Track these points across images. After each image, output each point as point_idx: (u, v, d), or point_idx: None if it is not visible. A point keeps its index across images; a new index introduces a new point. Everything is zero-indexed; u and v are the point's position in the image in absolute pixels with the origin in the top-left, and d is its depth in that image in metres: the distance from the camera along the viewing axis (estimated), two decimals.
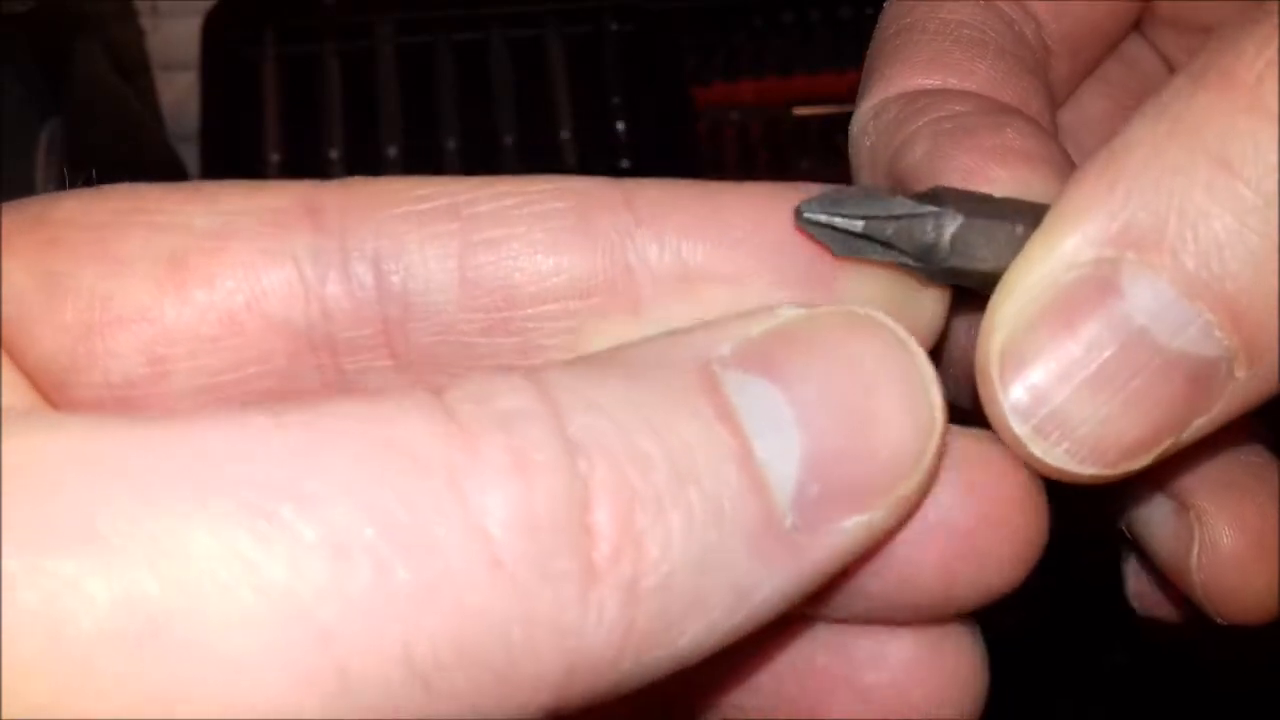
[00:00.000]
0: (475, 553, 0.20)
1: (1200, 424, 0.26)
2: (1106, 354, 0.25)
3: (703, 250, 0.28)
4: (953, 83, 0.34)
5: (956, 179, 0.30)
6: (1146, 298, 0.25)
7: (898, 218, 0.27)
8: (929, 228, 0.28)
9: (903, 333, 0.25)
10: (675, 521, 0.21)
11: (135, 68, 0.96)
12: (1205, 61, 0.25)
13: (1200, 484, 0.33)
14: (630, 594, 0.21)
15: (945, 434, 0.25)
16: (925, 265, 0.28)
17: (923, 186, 0.30)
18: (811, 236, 0.27)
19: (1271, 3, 0.24)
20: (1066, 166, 0.32)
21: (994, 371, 0.26)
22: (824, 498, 0.23)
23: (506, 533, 0.20)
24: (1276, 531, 0.32)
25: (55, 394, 0.27)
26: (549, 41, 0.93)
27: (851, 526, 0.23)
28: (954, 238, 0.28)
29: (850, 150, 0.36)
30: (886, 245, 0.28)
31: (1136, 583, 0.39)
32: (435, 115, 0.90)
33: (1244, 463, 0.33)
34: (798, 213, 0.27)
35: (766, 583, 0.22)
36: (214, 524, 0.19)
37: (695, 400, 0.22)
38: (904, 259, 0.28)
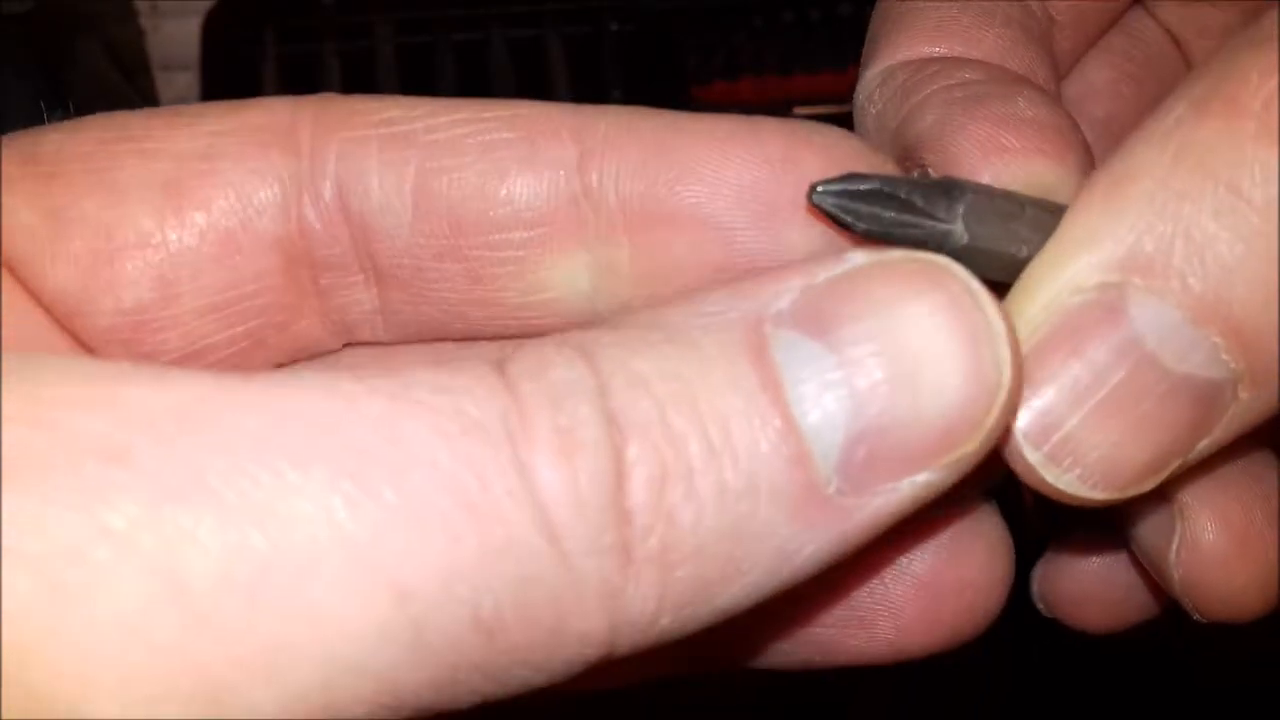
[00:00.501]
0: (534, 525, 0.21)
1: (1205, 446, 0.26)
2: (1116, 378, 0.25)
3: (644, 187, 0.28)
4: (960, 50, 0.34)
5: (968, 148, 0.30)
6: (1153, 322, 0.25)
7: (914, 223, 0.27)
8: (940, 236, 0.27)
9: (974, 284, 0.23)
10: (706, 496, 0.22)
11: (135, 67, 0.96)
12: (1209, 87, 0.25)
13: (1184, 478, 0.32)
14: (662, 563, 0.22)
15: (1017, 391, 0.24)
16: (947, 232, 0.27)
17: (932, 154, 0.30)
18: (826, 218, 0.27)
19: (1272, 24, 0.24)
20: (1077, 136, 0.31)
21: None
22: (872, 462, 0.23)
23: (560, 509, 0.21)
24: (1261, 530, 0.32)
25: (70, 323, 0.28)
26: (549, 41, 0.93)
27: (906, 487, 0.23)
28: (972, 203, 0.27)
29: (855, 118, 0.35)
30: (907, 210, 0.27)
31: (1040, 584, 0.39)
32: None
33: (1227, 458, 0.33)
34: (810, 191, 0.26)
35: (810, 545, 0.23)
36: (309, 485, 0.20)
37: (738, 367, 0.22)
38: (926, 224, 0.27)
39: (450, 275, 0.29)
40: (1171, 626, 0.37)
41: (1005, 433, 0.25)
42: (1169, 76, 0.41)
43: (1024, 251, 0.28)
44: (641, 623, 0.22)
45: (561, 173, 0.28)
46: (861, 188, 0.27)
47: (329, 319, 0.30)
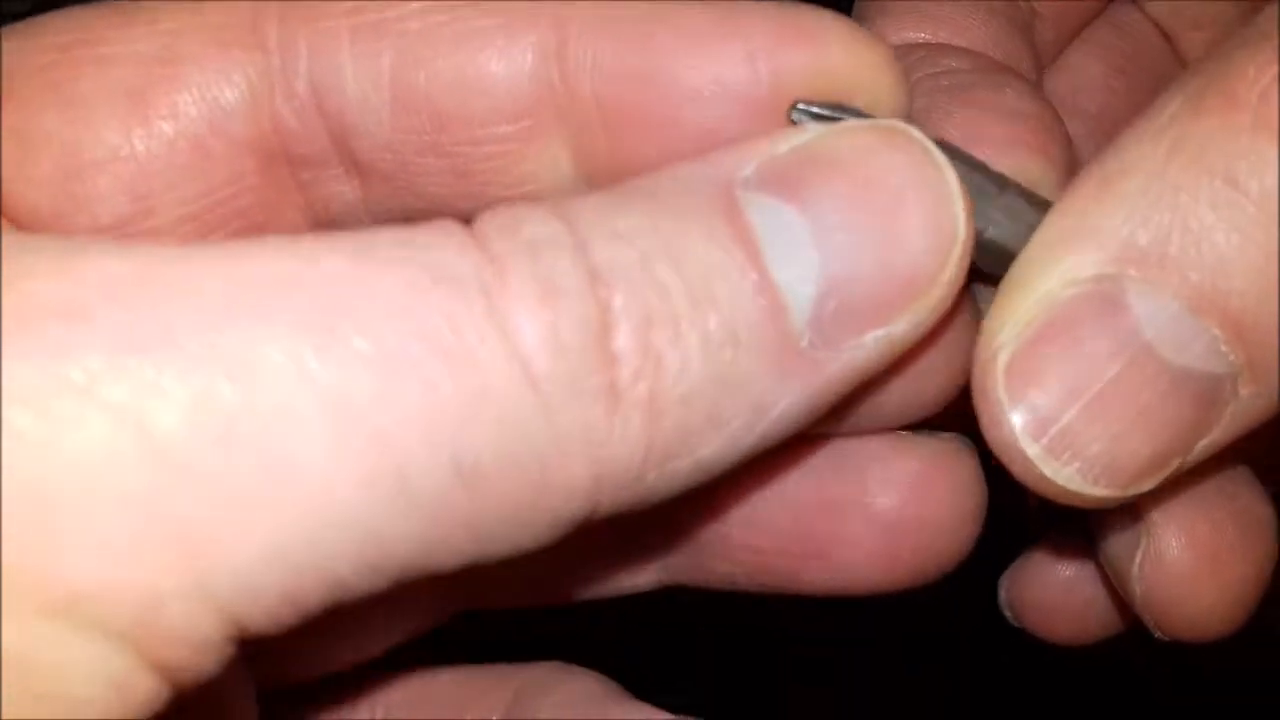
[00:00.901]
0: (512, 371, 0.21)
1: (1204, 445, 0.26)
2: (1115, 370, 0.25)
3: (623, 82, 0.27)
4: (945, 37, 0.34)
5: (954, 136, 0.29)
6: (1152, 313, 0.25)
7: None
8: None
9: (929, 145, 0.25)
10: (692, 342, 0.22)
11: None
12: (1205, 82, 0.25)
13: (1155, 490, 0.31)
14: (651, 409, 0.22)
15: (969, 245, 0.25)
16: None
17: None
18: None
19: (1269, 23, 0.25)
20: (1060, 130, 0.32)
21: (999, 391, 0.25)
22: (841, 315, 0.24)
23: (538, 354, 0.21)
24: (1229, 549, 0.31)
25: None
26: None
27: (871, 340, 0.24)
28: None
29: None
30: None
31: (1008, 592, 0.38)
32: None
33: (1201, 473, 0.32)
34: (792, 106, 0.26)
35: (785, 397, 0.23)
36: (278, 337, 0.20)
37: (714, 225, 0.23)
38: None
39: (434, 170, 0.28)
40: (1135, 642, 0.36)
41: (1004, 444, 0.25)
42: (1160, 71, 0.41)
43: (989, 231, 0.27)
44: (627, 476, 0.22)
45: (541, 62, 0.27)
46: (840, 118, 0.26)
47: (312, 214, 0.30)
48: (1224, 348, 0.25)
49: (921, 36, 0.34)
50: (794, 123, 0.26)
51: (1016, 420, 0.25)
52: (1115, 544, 0.32)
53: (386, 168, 0.28)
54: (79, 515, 0.19)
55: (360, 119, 0.28)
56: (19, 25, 0.28)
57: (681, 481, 0.23)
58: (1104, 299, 0.25)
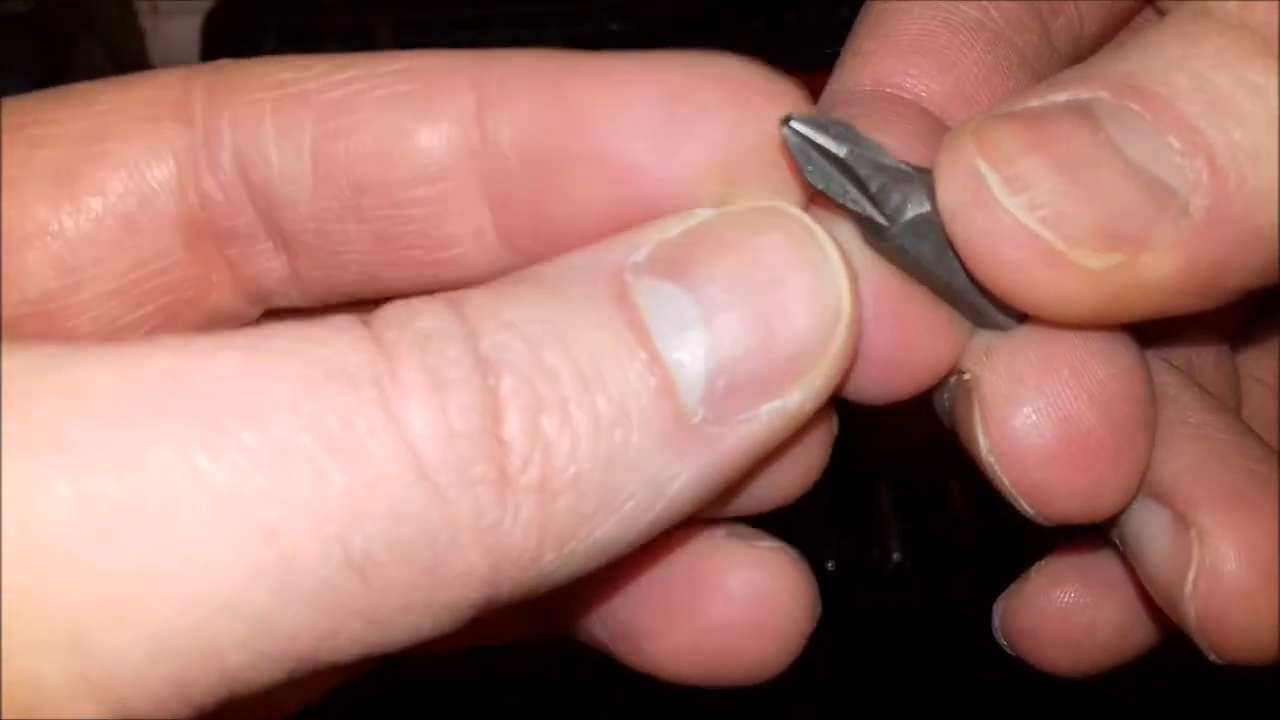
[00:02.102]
0: (402, 461, 0.21)
1: (1150, 259, 0.26)
2: (1077, 146, 0.26)
3: (541, 134, 0.27)
4: (929, 77, 0.32)
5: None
6: (1119, 123, 0.25)
7: (881, 166, 0.27)
8: (902, 191, 0.27)
9: (809, 221, 0.26)
10: (580, 424, 0.23)
11: (135, 67, 0.96)
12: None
13: (1203, 494, 0.29)
14: (542, 494, 0.22)
15: (857, 317, 0.26)
16: (883, 227, 0.27)
17: None
18: (787, 153, 0.27)
19: None
20: None
21: (967, 141, 0.26)
22: (732, 390, 0.24)
23: (428, 444, 0.21)
24: None
25: None
26: (549, 42, 0.93)
27: (766, 413, 0.25)
28: (918, 216, 0.27)
29: None
30: (859, 187, 0.27)
31: (1003, 619, 0.36)
32: None
33: (1254, 473, 0.30)
34: (784, 121, 0.26)
35: (682, 474, 0.24)
36: (167, 434, 0.20)
37: (604, 310, 0.24)
38: (868, 210, 0.27)
39: (356, 237, 0.28)
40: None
41: (962, 175, 0.26)
42: None
43: (955, 281, 0.28)
44: (524, 560, 0.22)
45: (460, 124, 0.27)
46: (831, 143, 0.26)
47: (242, 289, 0.30)
48: (1179, 159, 0.25)
49: (903, 75, 0.32)
50: (786, 138, 0.26)
51: (980, 158, 0.26)
52: (1160, 562, 0.30)
53: (310, 239, 0.29)
54: None
55: (284, 189, 0.28)
56: None
57: (580, 564, 0.23)
58: (1074, 107, 0.26)
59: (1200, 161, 0.25)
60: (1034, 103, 0.26)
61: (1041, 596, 0.35)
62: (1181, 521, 0.29)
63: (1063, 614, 0.35)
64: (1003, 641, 0.36)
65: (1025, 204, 0.25)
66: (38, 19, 0.81)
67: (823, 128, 0.26)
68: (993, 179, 0.26)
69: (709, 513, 0.30)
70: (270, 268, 0.29)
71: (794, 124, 0.26)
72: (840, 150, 0.27)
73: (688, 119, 0.27)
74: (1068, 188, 0.25)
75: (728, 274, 0.25)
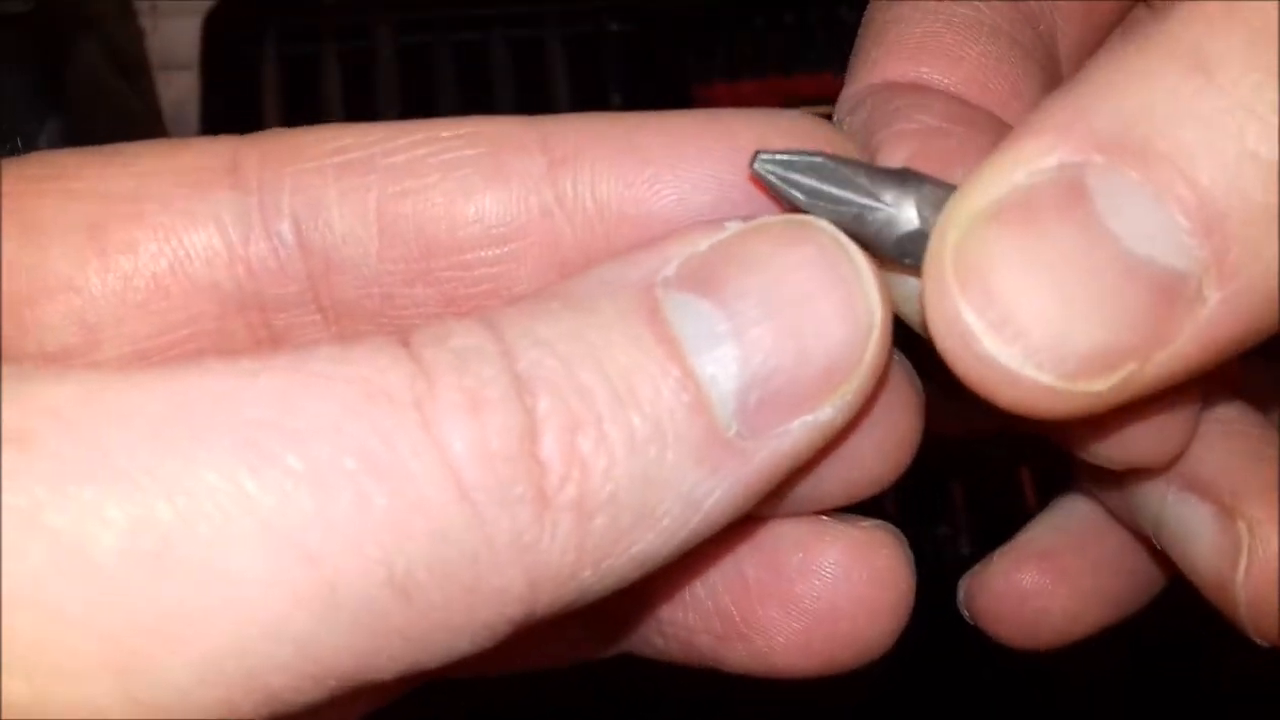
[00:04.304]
0: (443, 483, 0.21)
1: (1165, 356, 0.24)
2: (1070, 252, 0.23)
3: (619, 190, 0.28)
4: (940, 72, 0.33)
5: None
6: (1115, 200, 0.23)
7: (848, 199, 0.26)
8: (880, 217, 0.26)
9: (839, 235, 0.25)
10: (616, 442, 0.23)
11: (135, 68, 0.96)
12: None
13: (1249, 486, 0.31)
14: (579, 511, 0.22)
15: (888, 330, 0.25)
16: (871, 245, 0.27)
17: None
18: (763, 187, 0.27)
19: None
20: None
21: (947, 266, 0.24)
22: (765, 405, 0.24)
23: (467, 464, 0.22)
24: None
25: None
26: (549, 41, 0.93)
27: (798, 427, 0.25)
28: (901, 239, 0.27)
29: None
30: (842, 206, 0.27)
31: (966, 591, 0.39)
32: (435, 115, 0.90)
33: None
34: (751, 159, 0.27)
35: (717, 489, 0.24)
36: (214, 459, 0.20)
37: (635, 326, 0.24)
38: (855, 227, 0.27)
39: (422, 300, 0.28)
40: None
41: (946, 320, 0.24)
42: None
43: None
44: (561, 576, 0.23)
45: (531, 184, 0.28)
46: (806, 160, 0.27)
47: None
48: (1189, 239, 0.23)
49: (918, 71, 0.33)
50: (756, 174, 0.27)
51: (961, 295, 0.24)
52: (1207, 552, 0.31)
53: (372, 304, 0.28)
54: (20, 636, 0.19)
55: (346, 254, 0.28)
56: (5, 159, 0.28)
57: (618, 578, 0.23)
58: (1065, 185, 0.23)
59: (1215, 241, 0.23)
60: (1019, 175, 0.24)
61: (1001, 579, 0.38)
62: (1228, 514, 0.31)
63: (1019, 597, 0.38)
64: (965, 614, 0.39)
65: (1019, 354, 0.24)
66: (38, 19, 0.81)
67: (790, 162, 0.27)
68: (979, 326, 0.24)
69: (792, 509, 0.30)
70: (316, 340, 0.29)
71: (763, 156, 0.27)
72: (816, 167, 0.27)
73: None
74: (1064, 322, 0.23)
75: (759, 288, 0.25)
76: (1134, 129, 0.23)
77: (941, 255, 0.24)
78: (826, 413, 0.25)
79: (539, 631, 0.23)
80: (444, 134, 0.28)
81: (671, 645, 0.32)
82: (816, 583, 0.31)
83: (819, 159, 0.27)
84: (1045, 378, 0.24)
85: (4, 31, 0.80)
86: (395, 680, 0.22)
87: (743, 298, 0.24)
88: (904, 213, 0.27)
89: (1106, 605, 0.38)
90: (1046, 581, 0.38)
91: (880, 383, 0.27)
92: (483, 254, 0.28)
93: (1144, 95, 0.23)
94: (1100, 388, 0.24)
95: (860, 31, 0.35)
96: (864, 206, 0.27)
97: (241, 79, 0.91)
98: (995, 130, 0.32)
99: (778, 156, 0.27)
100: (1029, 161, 0.24)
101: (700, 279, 0.25)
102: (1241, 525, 0.30)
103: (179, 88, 0.98)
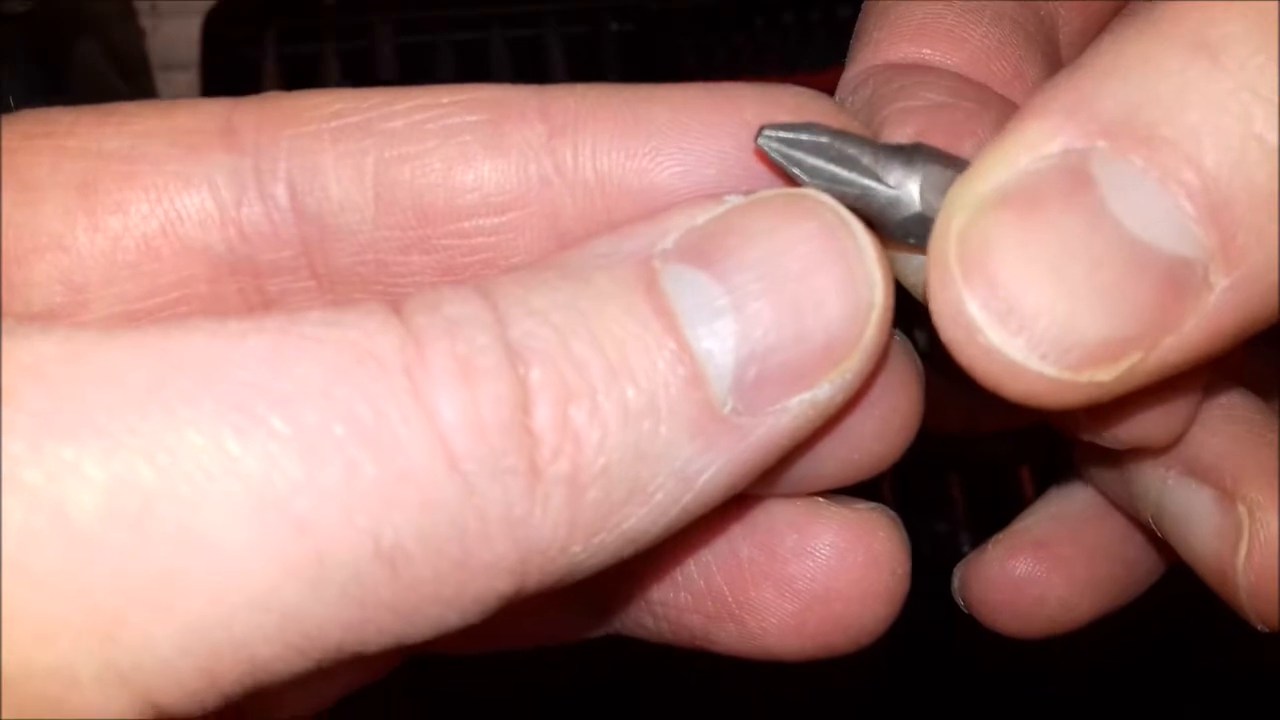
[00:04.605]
0: (433, 452, 0.21)
1: (1171, 344, 0.23)
2: (1074, 240, 0.23)
3: (620, 161, 0.27)
4: (942, 52, 0.33)
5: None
6: (1119, 186, 0.23)
7: (854, 173, 0.26)
8: (885, 192, 0.26)
9: (842, 211, 0.25)
10: (610, 415, 0.22)
11: (135, 68, 0.96)
12: None
13: (1249, 470, 0.31)
14: (572, 485, 0.22)
15: (889, 308, 0.25)
16: (875, 223, 0.27)
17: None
18: (769, 161, 0.27)
19: None
20: None
21: (950, 256, 0.23)
22: (762, 381, 0.24)
23: (458, 434, 0.21)
24: None
25: None
26: (549, 41, 0.93)
27: (796, 405, 0.24)
28: (905, 220, 0.26)
29: None
30: (846, 181, 0.26)
31: (961, 579, 0.39)
32: None
33: None
34: (756, 133, 0.26)
35: (711, 465, 0.24)
36: (199, 419, 0.20)
37: (631, 298, 0.23)
38: (860, 201, 0.26)
39: (418, 269, 0.28)
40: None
41: (950, 311, 0.24)
42: None
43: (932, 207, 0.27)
44: (552, 551, 0.22)
45: (531, 153, 0.27)
46: (812, 138, 0.26)
47: None
48: (1195, 226, 0.22)
49: (923, 52, 0.33)
50: (760, 149, 0.26)
51: (965, 286, 0.23)
52: (1206, 535, 0.31)
53: (368, 271, 0.28)
54: None
55: (342, 220, 0.27)
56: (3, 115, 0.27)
57: (609, 554, 0.23)
58: (1069, 171, 0.23)
59: (1222, 227, 0.22)
60: (1023, 161, 0.23)
61: (996, 567, 0.38)
62: (1228, 498, 0.30)
63: (1015, 585, 0.38)
64: (960, 602, 0.39)
65: (1024, 345, 0.23)
66: (38, 19, 0.81)
67: (798, 129, 0.26)
68: (983, 318, 0.23)
69: (789, 488, 0.30)
70: (310, 306, 0.28)
71: (768, 132, 0.26)
72: (821, 146, 0.26)
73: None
74: (1069, 313, 0.23)
75: (758, 262, 0.24)
76: (1139, 113, 0.23)
77: (945, 244, 0.24)
78: (825, 390, 0.24)
79: (528, 608, 0.23)
80: (443, 99, 0.27)
81: (662, 625, 0.32)
82: (811, 564, 0.30)
83: (825, 135, 0.26)
84: (1050, 369, 0.23)
85: (4, 31, 0.80)
86: (382, 654, 0.22)
87: (742, 271, 0.24)
88: (908, 193, 0.26)
89: (1101, 594, 0.38)
90: (1041, 570, 0.38)
91: (881, 361, 0.27)
92: (480, 223, 0.27)
93: (1148, 78, 0.23)
94: (1105, 378, 0.23)
95: (860, 16, 0.35)
96: (867, 185, 0.26)
97: (241, 79, 0.91)
98: (1001, 107, 0.31)
99: (783, 132, 0.26)
100: (1033, 147, 0.23)
101: (699, 251, 0.24)
102: (1242, 509, 0.30)
103: (179, 88, 0.99)
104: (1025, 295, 0.23)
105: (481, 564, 0.21)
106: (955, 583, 0.39)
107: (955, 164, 0.27)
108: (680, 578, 0.31)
